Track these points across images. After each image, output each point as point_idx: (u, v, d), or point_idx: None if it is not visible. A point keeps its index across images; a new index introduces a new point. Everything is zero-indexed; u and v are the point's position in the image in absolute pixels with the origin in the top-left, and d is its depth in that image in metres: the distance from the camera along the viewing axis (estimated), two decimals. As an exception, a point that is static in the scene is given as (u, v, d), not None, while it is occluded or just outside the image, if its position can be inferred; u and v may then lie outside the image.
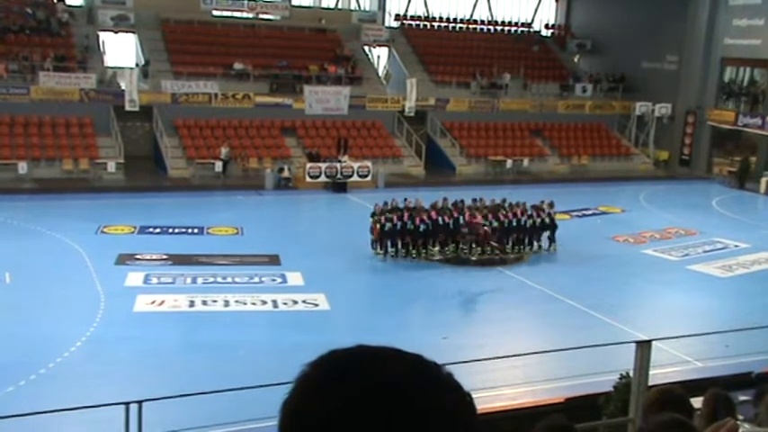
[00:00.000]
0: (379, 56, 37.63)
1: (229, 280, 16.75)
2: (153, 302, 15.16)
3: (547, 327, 15.41)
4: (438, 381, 1.04)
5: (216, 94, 29.63)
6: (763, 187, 30.89)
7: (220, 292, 15.91)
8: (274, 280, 16.93)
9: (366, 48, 35.89)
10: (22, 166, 25.73)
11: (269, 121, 30.48)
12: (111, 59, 31.79)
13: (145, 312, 14.69)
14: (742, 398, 6.27)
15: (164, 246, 19.01)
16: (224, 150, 28.09)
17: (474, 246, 19.21)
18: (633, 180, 32.54)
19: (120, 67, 30.90)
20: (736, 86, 34.59)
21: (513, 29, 40.81)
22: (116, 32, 32.10)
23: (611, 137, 36.13)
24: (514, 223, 19.85)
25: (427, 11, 39.81)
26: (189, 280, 16.64)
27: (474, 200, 20.33)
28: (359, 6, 38.29)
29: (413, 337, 13.18)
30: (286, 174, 27.85)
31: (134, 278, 16.53)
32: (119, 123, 28.50)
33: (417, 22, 39.13)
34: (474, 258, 19.35)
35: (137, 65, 30.73)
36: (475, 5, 40.60)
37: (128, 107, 27.93)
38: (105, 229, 20.54)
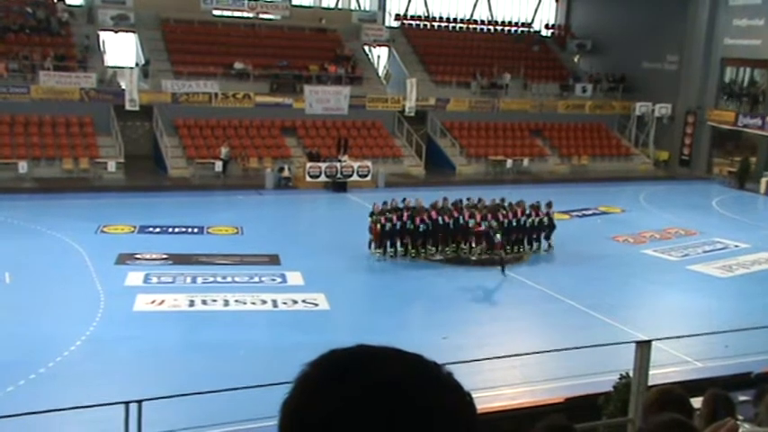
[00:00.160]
0: (380, 56, 37.64)
1: (229, 280, 16.75)
2: (153, 302, 15.16)
3: (546, 327, 15.41)
4: (438, 380, 1.04)
5: (216, 94, 29.63)
6: (763, 187, 30.89)
7: (220, 291, 15.91)
8: (274, 280, 16.93)
9: (366, 48, 35.90)
10: (23, 166, 25.74)
11: (269, 121, 30.48)
12: (111, 59, 31.79)
13: (145, 312, 14.69)
14: (742, 398, 6.27)
15: (164, 245, 19.01)
16: (224, 150, 28.09)
17: (485, 251, 19.09)
18: (633, 180, 32.54)
19: (120, 67, 30.91)
20: (737, 87, 34.58)
21: (514, 29, 40.81)
22: (116, 32, 32.10)
23: (611, 137, 36.14)
24: (514, 223, 19.85)
25: (427, 11, 39.82)
26: (189, 279, 16.64)
27: (468, 199, 20.33)
28: (359, 6, 38.29)
29: (413, 336, 13.18)
30: (286, 173, 27.85)
31: (134, 278, 16.53)
32: (119, 123, 28.51)
33: (417, 22, 39.13)
34: (474, 258, 19.35)
35: (137, 64, 30.73)
36: (475, 5, 40.60)
37: (128, 107, 27.93)
38: (105, 229, 20.54)
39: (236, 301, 15.45)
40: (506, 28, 40.65)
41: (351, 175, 28.13)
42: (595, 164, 34.24)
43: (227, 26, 33.70)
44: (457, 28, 39.64)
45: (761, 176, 31.37)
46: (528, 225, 20.04)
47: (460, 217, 19.49)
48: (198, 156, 28.40)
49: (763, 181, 31.00)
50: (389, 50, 36.74)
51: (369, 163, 28.87)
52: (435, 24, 39.40)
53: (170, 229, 20.84)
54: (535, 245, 20.23)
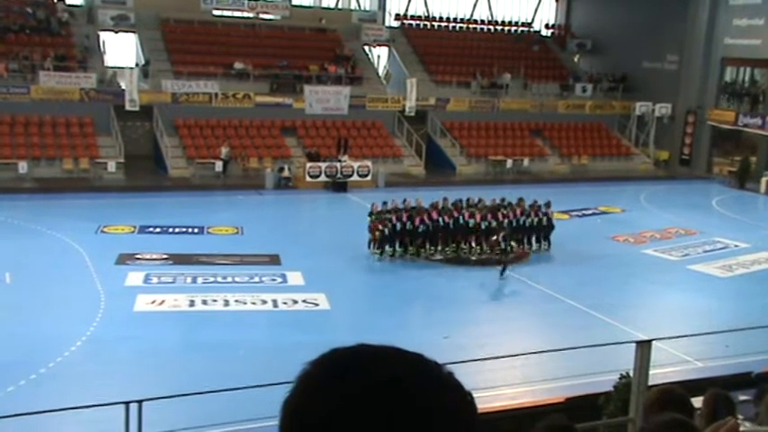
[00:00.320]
0: (380, 56, 37.64)
1: (229, 279, 16.75)
2: (153, 302, 15.16)
3: (547, 327, 15.41)
4: (439, 380, 1.04)
5: (216, 94, 29.63)
6: (763, 187, 30.89)
7: (220, 291, 15.92)
8: (274, 279, 16.93)
9: (366, 47, 35.89)
10: (23, 166, 25.74)
11: (269, 121, 30.48)
12: (111, 59, 31.80)
13: (145, 312, 14.69)
14: (742, 397, 6.28)
15: (164, 245, 19.01)
16: (224, 150, 28.09)
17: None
18: (633, 180, 32.54)
19: (120, 67, 30.91)
20: (739, 87, 34.56)
21: (514, 29, 40.81)
22: (116, 32, 32.10)
23: (611, 137, 36.13)
24: (514, 223, 19.85)
25: (427, 11, 39.81)
26: (189, 279, 16.64)
27: (468, 199, 20.34)
28: (359, 6, 38.28)
29: (413, 336, 13.18)
30: (286, 173, 27.85)
31: (134, 278, 16.53)
32: (119, 123, 28.51)
33: (417, 22, 39.13)
34: (474, 258, 19.35)
35: (137, 64, 30.73)
36: (475, 5, 40.60)
37: (128, 107, 27.93)
38: (105, 229, 20.54)
39: (237, 301, 15.45)
40: (506, 28, 40.65)
41: (351, 175, 28.13)
42: (595, 164, 34.24)
43: (227, 26, 33.70)
44: (457, 28, 39.63)
45: (761, 176, 31.36)
46: (527, 225, 20.04)
47: (460, 217, 19.49)
48: (198, 156, 28.40)
49: (764, 181, 30.99)
50: (389, 50, 36.73)
51: (369, 163, 28.87)
52: (435, 24, 39.40)
53: (170, 230, 20.84)
54: (535, 245, 20.23)
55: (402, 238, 19.07)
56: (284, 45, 33.35)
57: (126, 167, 27.15)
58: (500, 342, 13.81)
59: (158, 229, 20.73)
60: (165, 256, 18.11)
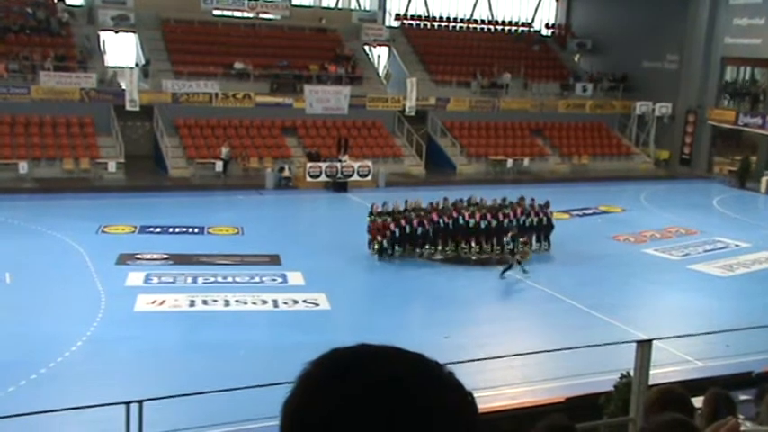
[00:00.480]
0: (380, 55, 37.63)
1: (230, 280, 16.75)
2: (153, 302, 15.17)
3: (547, 326, 15.41)
4: (440, 380, 1.04)
5: (216, 94, 29.63)
6: (763, 187, 30.88)
7: (221, 291, 15.92)
8: (275, 279, 16.93)
9: (366, 47, 35.89)
10: (23, 166, 25.74)
11: (269, 121, 30.47)
12: (111, 59, 31.80)
13: (145, 312, 14.69)
14: (743, 397, 6.28)
15: (164, 245, 19.02)
16: (224, 150, 28.09)
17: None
18: (634, 179, 32.53)
19: (120, 67, 30.91)
20: (740, 86, 34.54)
21: (514, 28, 40.80)
22: (116, 32, 32.10)
23: (611, 136, 36.13)
24: (514, 222, 19.85)
25: (427, 10, 39.80)
26: (189, 280, 16.64)
27: (470, 198, 20.36)
28: (359, 6, 38.28)
29: (414, 336, 13.18)
30: (286, 173, 27.85)
31: (135, 278, 16.54)
32: (119, 123, 28.51)
33: (417, 22, 39.12)
34: (474, 258, 19.35)
35: (137, 65, 30.74)
36: (475, 5, 40.59)
37: (128, 107, 27.93)
38: (106, 229, 20.54)
39: (237, 301, 15.45)
40: (506, 27, 40.64)
41: (351, 175, 28.13)
42: (596, 163, 34.23)
43: (227, 26, 33.70)
44: (457, 28, 39.62)
45: (761, 175, 31.36)
46: (527, 225, 20.03)
47: (460, 217, 19.48)
48: (198, 156, 28.40)
49: (764, 180, 30.99)
50: (389, 50, 36.73)
51: (369, 163, 28.87)
52: (435, 24, 39.39)
53: (170, 230, 20.84)
54: (535, 245, 20.22)
55: (402, 242, 19.05)
56: (284, 45, 33.35)
57: (126, 167, 27.15)
58: (500, 342, 13.81)
59: (159, 230, 20.74)
60: (165, 256, 18.11)
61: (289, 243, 19.65)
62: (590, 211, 25.70)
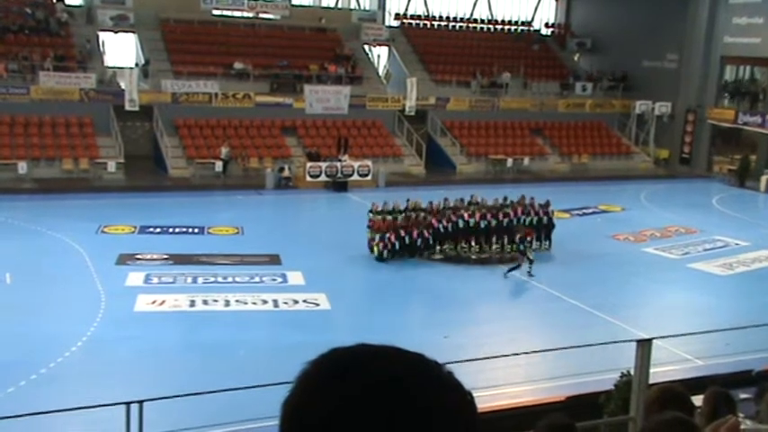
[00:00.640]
0: (380, 55, 37.63)
1: (230, 280, 16.75)
2: (154, 302, 15.17)
3: (547, 326, 15.41)
4: (439, 380, 1.04)
5: (216, 94, 29.62)
6: (763, 185, 30.89)
7: (221, 291, 15.92)
8: (275, 279, 16.93)
9: (366, 47, 35.89)
10: (22, 166, 25.74)
11: (269, 121, 30.47)
12: (110, 59, 31.79)
13: (145, 312, 14.69)
14: (743, 396, 6.27)
15: (164, 245, 19.02)
16: (224, 150, 28.09)
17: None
18: (633, 179, 32.54)
19: (119, 67, 30.91)
20: (741, 85, 34.54)
21: (513, 28, 40.79)
22: (116, 32, 32.10)
23: (611, 135, 36.13)
24: (515, 222, 19.86)
25: (427, 10, 39.80)
26: (189, 280, 16.64)
27: (472, 197, 20.36)
28: (359, 6, 38.28)
29: (414, 336, 13.18)
30: (286, 173, 27.85)
31: (135, 278, 16.54)
32: (119, 123, 28.51)
33: (417, 22, 39.12)
34: (474, 257, 19.35)
35: (136, 64, 30.73)
36: (475, 4, 40.59)
37: (128, 107, 27.93)
38: (106, 229, 20.54)
39: (237, 301, 15.45)
40: (506, 27, 40.63)
41: (351, 175, 28.13)
42: (596, 162, 34.23)
43: (226, 26, 33.69)
44: (457, 27, 39.62)
45: (761, 174, 31.37)
46: (527, 224, 20.03)
47: (460, 220, 19.42)
48: (198, 156, 28.39)
49: (764, 179, 31.00)
50: (389, 50, 36.72)
51: (369, 162, 28.87)
52: (435, 24, 39.39)
53: (170, 230, 20.84)
54: (536, 244, 20.20)
55: (402, 251, 18.98)
56: (284, 45, 33.35)
57: (126, 168, 27.15)
58: (501, 341, 13.80)
59: (158, 230, 20.73)
60: (165, 257, 18.11)
61: (289, 243, 19.65)
62: (590, 211, 25.70)
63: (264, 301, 15.50)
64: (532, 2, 41.84)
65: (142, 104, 28.37)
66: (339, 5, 38.20)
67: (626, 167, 34.40)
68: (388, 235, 18.74)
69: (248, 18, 34.21)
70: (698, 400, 3.78)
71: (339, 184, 27.62)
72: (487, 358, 11.19)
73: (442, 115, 33.27)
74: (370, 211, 19.30)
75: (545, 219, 20.35)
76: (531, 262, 17.95)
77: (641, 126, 35.94)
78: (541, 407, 9.74)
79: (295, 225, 23.52)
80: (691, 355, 12.99)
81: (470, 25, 39.93)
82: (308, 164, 28.03)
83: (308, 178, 27.79)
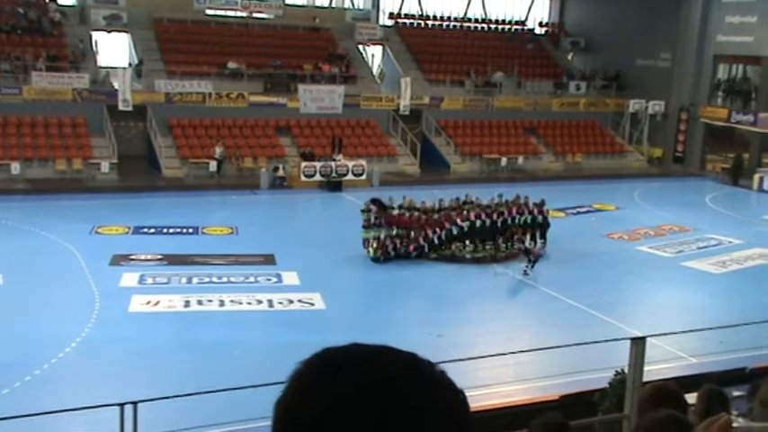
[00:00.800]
0: (374, 54, 37.59)
1: (225, 280, 16.73)
2: (148, 303, 15.13)
3: (542, 325, 15.44)
4: (432, 379, 1.04)
5: (210, 94, 29.57)
6: (755, 183, 31.01)
7: (216, 291, 15.90)
8: (270, 279, 16.91)
9: (360, 46, 35.86)
10: (15, 167, 25.64)
11: (263, 121, 30.43)
12: (103, 59, 31.69)
13: (140, 313, 14.66)
14: (736, 393, 6.30)
15: (158, 246, 18.98)
16: (218, 150, 28.04)
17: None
18: (627, 177, 32.62)
19: (113, 67, 30.81)
20: (735, 84, 34.66)
21: (507, 27, 40.83)
22: (109, 32, 32.00)
23: (605, 134, 36.21)
24: (509, 221, 19.89)
25: (421, 9, 39.80)
26: (184, 280, 16.61)
27: (467, 196, 20.38)
28: (353, 5, 38.25)
29: (408, 335, 13.18)
30: (281, 173, 27.82)
31: (129, 278, 16.50)
32: (112, 123, 28.42)
33: (411, 21, 39.11)
34: (468, 257, 19.37)
35: (130, 64, 30.65)
36: (469, 4, 40.61)
37: (121, 107, 27.85)
38: (99, 230, 20.48)
39: (232, 301, 15.43)
40: (500, 26, 40.67)
41: (346, 175, 28.12)
42: (590, 161, 34.31)
43: (220, 25, 33.62)
44: (451, 26, 39.64)
45: (753, 172, 31.50)
46: (521, 223, 20.07)
47: (453, 227, 19.37)
48: (192, 156, 28.34)
49: (756, 177, 31.12)
50: (383, 49, 36.71)
51: (363, 162, 28.86)
52: (429, 23, 39.39)
53: (165, 230, 20.79)
54: (529, 242, 20.24)
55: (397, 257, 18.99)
56: (278, 44, 33.30)
57: (119, 168, 27.07)
58: (495, 340, 13.81)
59: (153, 230, 20.69)
60: (159, 257, 18.08)
61: (283, 243, 19.63)
62: (584, 209, 25.76)
63: (259, 301, 15.49)
64: (526, 1, 41.89)
65: (135, 104, 28.29)
66: (333, 5, 38.16)
67: (620, 166, 34.48)
68: (385, 236, 18.70)
69: (242, 17, 34.15)
70: (692, 397, 3.80)
71: (334, 184, 27.61)
72: (482, 357, 11.21)
73: (436, 114, 33.28)
74: (363, 211, 19.23)
75: (540, 218, 20.38)
76: (529, 261, 17.99)
77: (635, 125, 36.04)
78: (536, 405, 9.76)
79: (290, 225, 23.49)
80: (685, 352, 13.04)
81: (464, 24, 39.95)
82: (303, 163, 28.01)
83: (303, 178, 27.77)
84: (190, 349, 12.92)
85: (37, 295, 15.11)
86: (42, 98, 27.49)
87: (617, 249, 20.97)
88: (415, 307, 16.74)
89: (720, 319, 13.36)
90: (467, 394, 1.07)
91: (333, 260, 18.44)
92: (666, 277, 18.56)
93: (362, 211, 19.32)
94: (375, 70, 36.51)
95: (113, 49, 32.60)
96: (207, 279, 16.70)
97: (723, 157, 34.61)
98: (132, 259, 17.87)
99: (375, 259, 18.68)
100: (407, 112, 31.88)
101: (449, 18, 39.95)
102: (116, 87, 28.29)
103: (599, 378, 10.15)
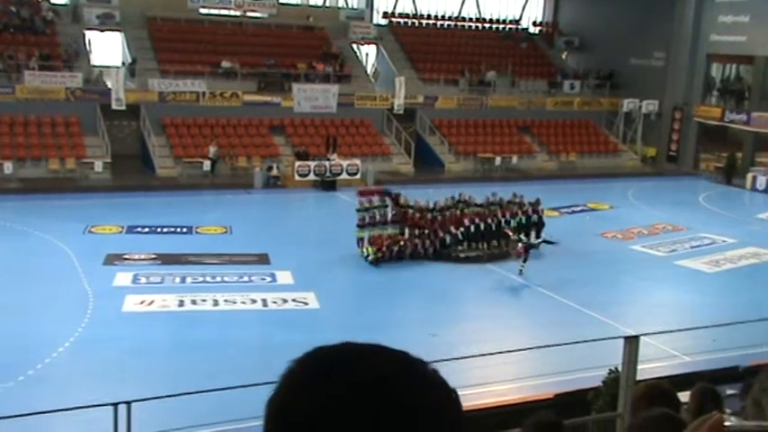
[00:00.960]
0: (368, 53, 37.59)
1: (218, 279, 16.70)
2: (142, 302, 15.10)
3: (536, 324, 15.47)
4: (425, 378, 1.04)
5: (203, 93, 29.51)
6: (749, 183, 31.14)
7: (210, 291, 15.87)
8: (264, 279, 16.89)
9: (354, 45, 35.85)
10: (8, 166, 25.54)
11: (257, 120, 30.38)
12: (97, 58, 31.58)
13: (134, 312, 14.63)
14: (729, 392, 6.32)
15: (152, 245, 18.93)
16: (212, 149, 27.98)
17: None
18: (621, 176, 32.70)
19: (106, 66, 30.71)
20: (729, 83, 34.76)
21: (501, 26, 40.87)
22: (102, 31, 31.89)
23: (599, 133, 36.29)
24: (503, 223, 19.92)
25: (415, 8, 39.80)
26: (178, 279, 16.58)
27: (461, 195, 20.42)
28: (347, 4, 38.22)
29: (402, 334, 13.19)
30: (275, 172, 27.78)
31: (122, 278, 16.45)
32: (105, 122, 28.32)
33: (405, 20, 39.10)
34: (462, 256, 19.38)
35: (123, 63, 30.55)
36: (463, 3, 40.62)
37: (114, 106, 27.76)
38: (93, 229, 20.42)
39: (226, 300, 15.41)
40: (494, 25, 40.70)
41: (340, 174, 28.10)
42: (584, 160, 34.38)
43: (213, 24, 33.54)
44: (445, 25, 39.65)
45: (747, 172, 31.62)
46: (517, 223, 20.10)
47: (447, 236, 19.37)
48: (186, 155, 28.27)
49: (749, 176, 31.25)
50: (377, 48, 36.71)
51: (358, 161, 28.85)
52: (423, 22, 39.39)
53: (158, 229, 20.75)
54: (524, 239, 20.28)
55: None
56: (272, 43, 33.25)
57: (113, 167, 26.98)
58: (489, 339, 13.83)
59: (146, 229, 20.64)
60: (153, 256, 18.03)
61: (277, 242, 19.62)
62: (578, 209, 25.82)
63: (253, 301, 15.47)
64: (520, 0, 41.94)
65: (129, 103, 28.20)
66: (327, 4, 38.11)
67: (614, 165, 34.56)
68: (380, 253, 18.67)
69: (235, 16, 34.08)
70: (685, 396, 3.81)
71: (328, 183, 27.59)
72: (476, 356, 11.21)
73: (430, 114, 33.30)
74: (358, 210, 19.23)
75: (534, 217, 20.42)
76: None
77: (629, 124, 36.13)
78: (530, 404, 9.77)
79: (284, 224, 23.47)
80: (678, 351, 13.08)
81: (458, 24, 39.97)
82: (297, 163, 27.98)
83: (297, 177, 27.75)
84: (184, 349, 12.89)
85: (30, 295, 15.06)
86: (35, 97, 27.38)
87: (611, 248, 21.02)
88: (409, 306, 16.74)
89: (713, 318, 13.40)
90: (460, 393, 1.07)
91: (327, 259, 18.43)
92: (660, 276, 18.61)
93: (357, 210, 19.32)
94: (369, 69, 36.51)
95: (106, 48, 32.50)
96: (201, 278, 16.67)
97: (716, 156, 34.73)
98: (126, 259, 17.82)
99: (374, 262, 18.47)
100: (401, 112, 31.88)
101: (443, 17, 39.96)
102: (109, 86, 28.20)
103: (593, 377, 10.18)
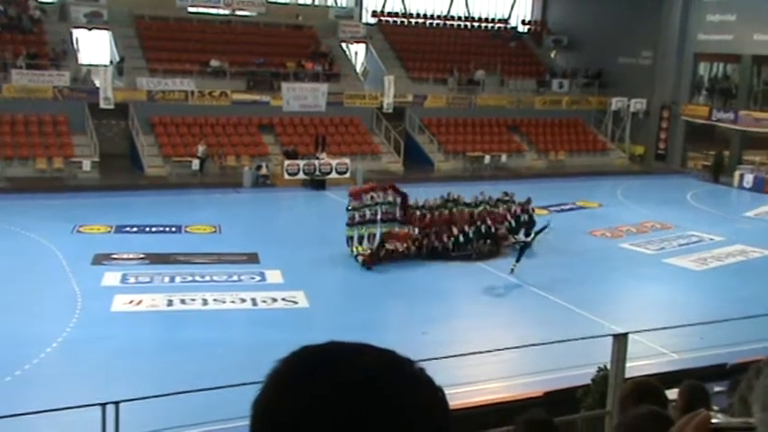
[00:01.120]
0: (357, 52, 37.57)
1: (208, 278, 16.65)
2: (131, 302, 15.03)
3: (526, 322, 15.51)
4: (413, 377, 1.04)
5: (192, 92, 29.40)
6: (736, 181, 31.35)
7: (199, 290, 15.81)
8: (253, 278, 16.85)
9: (343, 44, 35.81)
10: (-5, 166, 25.36)
11: (246, 119, 30.30)
12: (84, 57, 31.39)
13: (122, 312, 14.55)
14: (717, 389, 6.37)
15: (141, 245, 18.85)
16: (201, 148, 27.88)
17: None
18: (609, 175, 32.83)
19: (94, 65, 30.53)
20: (717, 82, 34.97)
21: (490, 25, 40.95)
22: (89, 29, 31.70)
23: (587, 132, 36.43)
24: (493, 229, 19.95)
25: (404, 7, 39.81)
26: (167, 279, 16.51)
27: (449, 194, 20.46)
28: (335, 3, 38.16)
29: (393, 333, 13.20)
30: (264, 171, 27.72)
31: (111, 278, 16.36)
32: (94, 121, 28.16)
33: (394, 19, 39.10)
34: (453, 254, 19.41)
35: (111, 62, 30.39)
36: (452, 2, 40.67)
37: (102, 105, 27.61)
38: (81, 229, 20.30)
39: (215, 300, 15.36)
40: (483, 24, 40.78)
41: (329, 173, 28.07)
42: (572, 159, 34.51)
43: (202, 23, 33.42)
44: (434, 24, 39.69)
45: (734, 170, 31.84)
46: (508, 226, 20.15)
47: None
48: (174, 154, 28.15)
49: (737, 174, 31.47)
50: (367, 47, 36.68)
51: (347, 160, 28.83)
52: (412, 21, 39.41)
53: (147, 229, 20.65)
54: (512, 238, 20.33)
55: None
56: (260, 42, 33.16)
57: (101, 166, 26.83)
58: (479, 337, 13.86)
59: (135, 229, 20.54)
60: (142, 256, 17.95)
61: (267, 241, 19.57)
62: (567, 207, 25.91)
63: (243, 300, 15.43)
64: (509, -1, 42.03)
65: (117, 102, 28.06)
66: (316, 3, 38.03)
67: (602, 164, 34.71)
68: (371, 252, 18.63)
69: (224, 15, 33.97)
70: (673, 393, 3.83)
71: (317, 182, 27.56)
72: (466, 354, 11.23)
73: (419, 112, 33.32)
74: (348, 208, 19.21)
75: (524, 216, 20.47)
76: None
77: (617, 123, 36.29)
78: (520, 402, 9.80)
79: (273, 223, 23.42)
80: (666, 349, 13.15)
81: (447, 23, 40.02)
82: (286, 162, 27.93)
83: (286, 176, 27.70)
84: (173, 349, 12.84)
85: (18, 295, 14.95)
86: (22, 96, 27.17)
87: (600, 246, 21.11)
88: (399, 304, 16.75)
89: (701, 316, 13.48)
90: (451, 391, 1.07)
91: (316, 258, 18.41)
92: (648, 274, 18.71)
93: (347, 209, 19.30)
94: (358, 68, 36.48)
95: (94, 47, 32.32)
96: (190, 278, 16.61)
97: (704, 154, 34.94)
98: (114, 258, 17.73)
99: (366, 264, 18.40)
100: (391, 110, 31.89)
101: (432, 16, 39.99)
102: (97, 85, 28.04)
103: (582, 374, 10.22)
